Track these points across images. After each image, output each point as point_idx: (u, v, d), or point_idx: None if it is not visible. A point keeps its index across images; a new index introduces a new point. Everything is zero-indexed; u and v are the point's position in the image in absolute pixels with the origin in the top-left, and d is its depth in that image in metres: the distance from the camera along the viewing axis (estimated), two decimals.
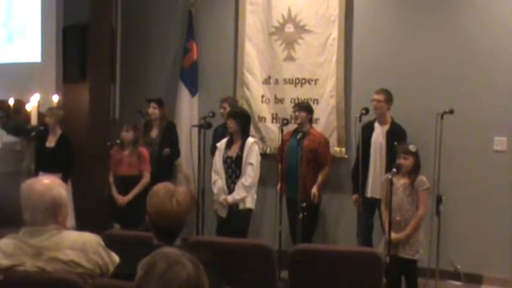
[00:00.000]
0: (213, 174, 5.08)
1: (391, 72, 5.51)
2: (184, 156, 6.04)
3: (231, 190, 4.92)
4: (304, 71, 5.86)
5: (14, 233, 2.44)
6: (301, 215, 4.87)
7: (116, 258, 2.47)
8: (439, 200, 4.64)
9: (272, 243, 3.92)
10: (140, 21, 6.75)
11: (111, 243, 2.53)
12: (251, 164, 4.88)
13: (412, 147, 4.36)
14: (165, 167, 5.75)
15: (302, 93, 5.85)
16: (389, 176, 4.09)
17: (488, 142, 5.21)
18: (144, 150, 5.50)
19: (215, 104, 5.81)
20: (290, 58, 5.92)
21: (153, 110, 5.78)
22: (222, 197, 4.94)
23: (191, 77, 6.37)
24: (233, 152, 4.97)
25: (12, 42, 7.60)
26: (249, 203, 4.93)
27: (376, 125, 5.15)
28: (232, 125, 4.97)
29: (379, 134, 5.12)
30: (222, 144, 5.08)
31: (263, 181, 5.35)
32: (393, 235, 4.15)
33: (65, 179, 5.24)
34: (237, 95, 6.15)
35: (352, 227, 5.32)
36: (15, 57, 7.42)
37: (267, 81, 6.05)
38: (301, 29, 5.86)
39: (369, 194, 5.12)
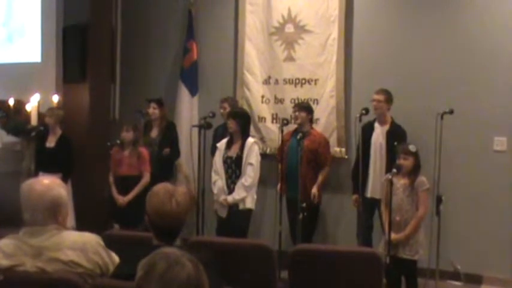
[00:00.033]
0: (213, 174, 5.08)
1: (391, 72, 5.51)
2: (184, 156, 6.04)
3: (231, 190, 4.92)
4: (304, 71, 5.86)
5: (14, 233, 2.44)
6: (301, 216, 4.87)
7: (116, 259, 2.47)
8: (439, 200, 4.64)
9: (272, 244, 3.92)
10: (140, 21, 6.75)
11: (111, 243, 2.53)
12: (251, 164, 4.88)
13: (412, 148, 4.36)
14: (165, 167, 5.75)
15: (302, 93, 5.85)
16: (390, 176, 4.09)
17: (488, 142, 5.21)
18: (144, 151, 5.50)
19: (215, 104, 5.81)
20: (290, 58, 5.92)
21: (153, 110, 5.78)
22: (222, 197, 4.94)
23: (191, 77, 6.37)
24: (233, 152, 4.97)
25: (12, 42, 7.60)
26: (249, 203, 4.93)
27: (376, 125, 5.15)
28: (232, 125, 4.97)
29: (379, 134, 5.11)
30: (222, 144, 5.08)
31: (263, 181, 5.35)
32: (393, 235, 4.15)
33: (65, 179, 5.25)
34: (237, 95, 6.15)
35: (352, 227, 5.32)
36: (15, 57, 7.43)
37: (267, 82, 6.05)
38: (301, 29, 5.86)
39: (368, 194, 5.11)
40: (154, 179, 4.96)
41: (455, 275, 5.21)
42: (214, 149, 5.29)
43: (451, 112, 4.82)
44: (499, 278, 5.13)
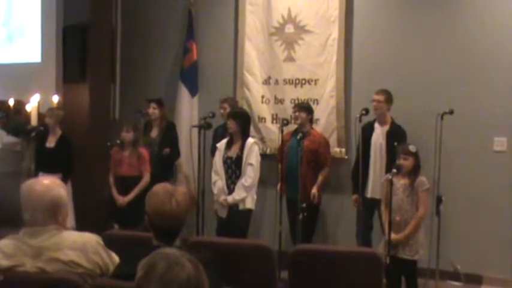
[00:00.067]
0: (213, 174, 5.08)
1: (391, 72, 5.51)
2: (184, 156, 6.04)
3: (231, 190, 4.92)
4: (304, 72, 5.86)
5: (14, 233, 2.44)
6: (301, 216, 4.87)
7: (116, 259, 2.47)
8: (439, 200, 4.64)
9: (272, 244, 3.92)
10: (140, 21, 6.75)
11: (111, 243, 2.53)
12: (251, 164, 4.88)
13: (412, 148, 4.36)
14: (165, 167, 5.75)
15: (302, 93, 5.85)
16: (390, 177, 4.09)
17: (488, 142, 5.21)
18: (144, 151, 5.50)
19: (215, 105, 5.81)
20: (290, 58, 5.92)
21: (153, 110, 5.78)
22: (222, 198, 4.94)
23: (191, 77, 6.37)
24: (233, 152, 4.97)
25: (12, 42, 7.60)
26: (249, 204, 4.93)
27: (376, 125, 5.15)
28: (232, 125, 4.97)
29: (379, 135, 5.11)
30: (222, 144, 5.08)
31: (263, 181, 5.35)
32: (393, 235, 4.15)
33: (65, 179, 5.25)
34: (237, 96, 6.15)
35: (352, 228, 5.32)
36: (15, 57, 7.42)
37: (267, 82, 6.05)
38: (301, 29, 5.86)
39: (369, 195, 5.11)
40: (154, 179, 4.95)
41: (455, 275, 5.21)
42: (214, 149, 5.28)
43: (451, 112, 4.82)
44: (499, 278, 5.13)
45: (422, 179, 4.33)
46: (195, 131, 5.31)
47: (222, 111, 5.67)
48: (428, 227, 4.62)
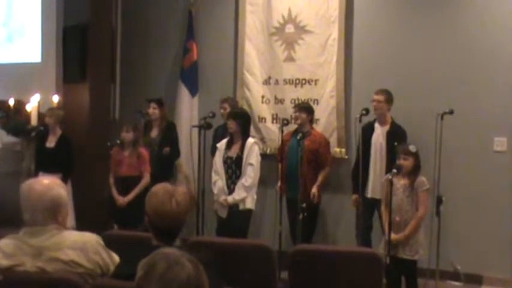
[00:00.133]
0: (213, 174, 5.08)
1: (391, 72, 5.51)
2: (184, 156, 6.04)
3: (231, 190, 4.92)
4: (304, 72, 5.86)
5: (14, 233, 2.44)
6: (301, 216, 4.87)
7: (116, 258, 2.47)
8: (439, 201, 4.64)
9: (272, 244, 3.93)
10: (140, 21, 6.75)
11: (111, 243, 2.53)
12: (251, 164, 4.88)
13: (412, 148, 4.36)
14: (165, 167, 5.75)
15: (302, 93, 5.85)
16: (390, 177, 4.09)
17: (488, 143, 5.21)
18: (144, 151, 5.50)
19: (215, 105, 5.81)
20: (290, 58, 5.92)
21: (153, 110, 5.78)
22: (222, 198, 4.94)
23: (191, 77, 6.37)
24: (233, 152, 4.97)
25: (12, 42, 7.60)
26: (249, 204, 4.93)
27: (376, 125, 5.15)
28: (232, 125, 4.97)
29: (379, 135, 5.11)
30: (222, 144, 5.08)
31: (263, 181, 5.35)
32: (393, 236, 4.15)
33: (65, 179, 5.25)
34: (237, 96, 6.15)
35: (352, 228, 5.32)
36: (15, 57, 7.43)
37: (267, 82, 6.05)
38: (301, 29, 5.86)
39: (369, 195, 5.11)
40: (155, 179, 4.96)
41: (455, 275, 5.21)
42: (214, 149, 5.28)
43: (451, 112, 4.82)
44: (499, 278, 5.13)
45: (422, 179, 4.33)
46: (195, 131, 5.31)
47: (222, 111, 5.67)
48: (428, 227, 4.62)
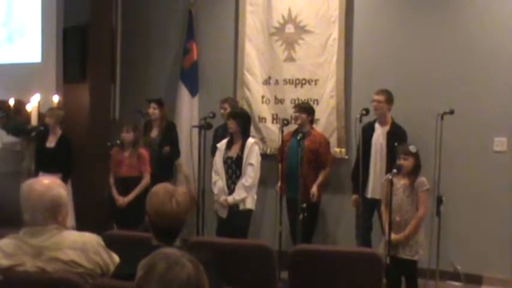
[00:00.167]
0: (213, 174, 5.08)
1: (391, 73, 5.51)
2: (184, 156, 6.04)
3: (231, 191, 4.92)
4: (304, 72, 5.86)
5: (14, 233, 2.44)
6: (301, 216, 4.87)
7: (116, 259, 2.47)
8: (439, 201, 4.63)
9: (272, 244, 3.93)
10: (140, 21, 6.75)
11: (111, 243, 2.53)
12: (251, 164, 4.88)
13: (412, 148, 4.36)
14: (165, 167, 5.75)
15: (302, 93, 5.85)
16: (390, 177, 4.09)
17: (489, 143, 5.21)
18: (144, 151, 5.50)
19: (215, 105, 5.81)
20: (290, 59, 5.92)
21: (153, 110, 5.78)
22: (222, 198, 4.94)
23: (191, 78, 6.37)
24: (233, 152, 4.97)
25: (13, 43, 7.60)
26: (249, 204, 4.93)
27: (377, 125, 5.15)
28: (232, 125, 4.97)
29: (379, 135, 5.11)
30: (222, 144, 5.08)
31: (263, 181, 5.35)
32: (393, 236, 4.16)
33: (65, 179, 5.25)
34: (237, 96, 6.15)
35: (352, 228, 5.32)
36: (16, 57, 7.42)
37: (267, 82, 6.05)
38: (301, 29, 5.86)
39: (369, 195, 5.11)
40: (155, 179, 4.96)
41: (455, 275, 5.21)
42: (214, 150, 5.29)
43: (451, 112, 4.81)
44: (499, 278, 5.13)
45: (422, 179, 4.33)
46: (195, 131, 5.31)
47: (222, 111, 5.67)
48: (428, 227, 4.62)
